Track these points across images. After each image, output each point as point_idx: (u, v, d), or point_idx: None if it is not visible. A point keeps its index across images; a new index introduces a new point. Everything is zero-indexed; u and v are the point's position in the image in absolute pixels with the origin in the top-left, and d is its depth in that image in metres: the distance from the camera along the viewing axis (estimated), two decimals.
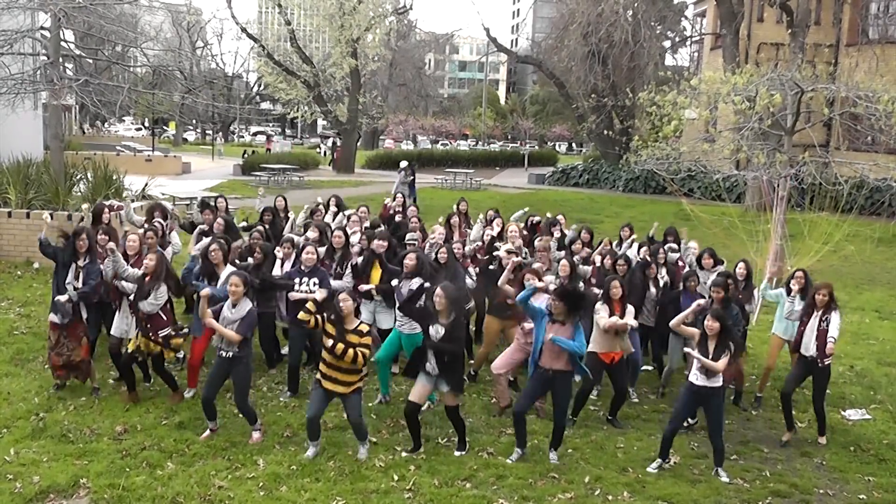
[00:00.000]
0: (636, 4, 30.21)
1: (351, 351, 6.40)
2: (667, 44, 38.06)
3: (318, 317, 6.56)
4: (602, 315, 7.69)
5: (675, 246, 10.11)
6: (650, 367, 9.64)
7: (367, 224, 10.49)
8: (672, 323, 7.18)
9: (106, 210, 9.35)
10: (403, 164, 23.50)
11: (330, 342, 6.44)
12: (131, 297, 7.68)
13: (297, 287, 8.17)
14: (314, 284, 8.06)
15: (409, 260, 8.12)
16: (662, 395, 8.99)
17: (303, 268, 8.21)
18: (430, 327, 6.75)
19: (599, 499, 6.39)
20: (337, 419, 7.39)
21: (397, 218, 11.47)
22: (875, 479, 7.15)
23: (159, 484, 6.06)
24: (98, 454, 6.51)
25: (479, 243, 10.07)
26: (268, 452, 6.77)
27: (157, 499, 5.85)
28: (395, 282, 8.23)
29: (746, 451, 7.59)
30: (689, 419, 7.72)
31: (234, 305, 6.88)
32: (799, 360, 8.05)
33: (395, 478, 6.43)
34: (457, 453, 7.03)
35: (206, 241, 8.73)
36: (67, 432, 6.91)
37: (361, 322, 6.73)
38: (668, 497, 6.47)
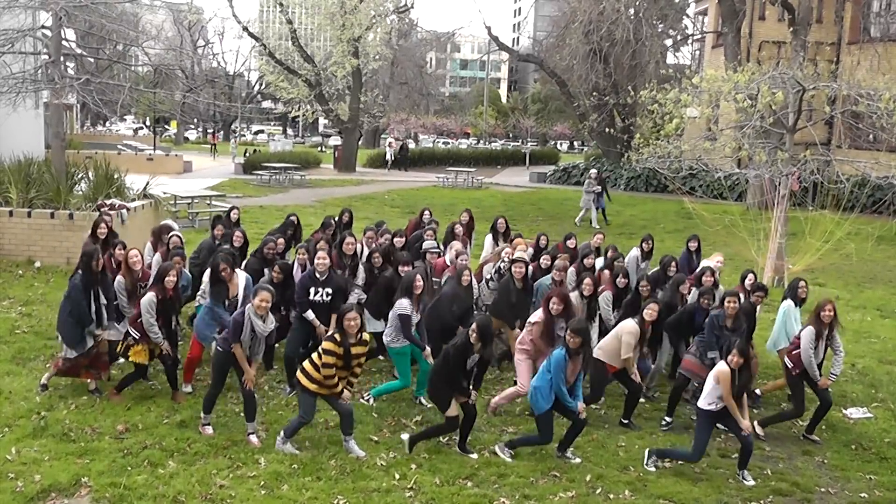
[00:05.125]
0: (638, 3, 30.15)
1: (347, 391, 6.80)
2: (668, 42, 37.96)
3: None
4: (629, 342, 7.68)
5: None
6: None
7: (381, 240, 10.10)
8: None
9: (102, 224, 9.02)
10: (593, 172, 21.93)
11: (340, 389, 6.71)
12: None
13: (311, 296, 7.98)
14: (327, 295, 7.94)
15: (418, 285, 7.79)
16: (654, 397, 8.94)
17: (317, 275, 7.93)
18: (468, 359, 6.76)
19: (601, 497, 6.39)
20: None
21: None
22: (876, 478, 7.15)
23: (161, 483, 6.07)
24: (99, 453, 6.51)
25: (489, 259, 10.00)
26: (269, 451, 6.77)
27: (158, 498, 5.85)
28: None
29: None
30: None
31: (262, 320, 6.87)
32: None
33: (397, 476, 6.43)
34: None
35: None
36: (69, 431, 6.91)
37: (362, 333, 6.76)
38: (670, 495, 6.47)
